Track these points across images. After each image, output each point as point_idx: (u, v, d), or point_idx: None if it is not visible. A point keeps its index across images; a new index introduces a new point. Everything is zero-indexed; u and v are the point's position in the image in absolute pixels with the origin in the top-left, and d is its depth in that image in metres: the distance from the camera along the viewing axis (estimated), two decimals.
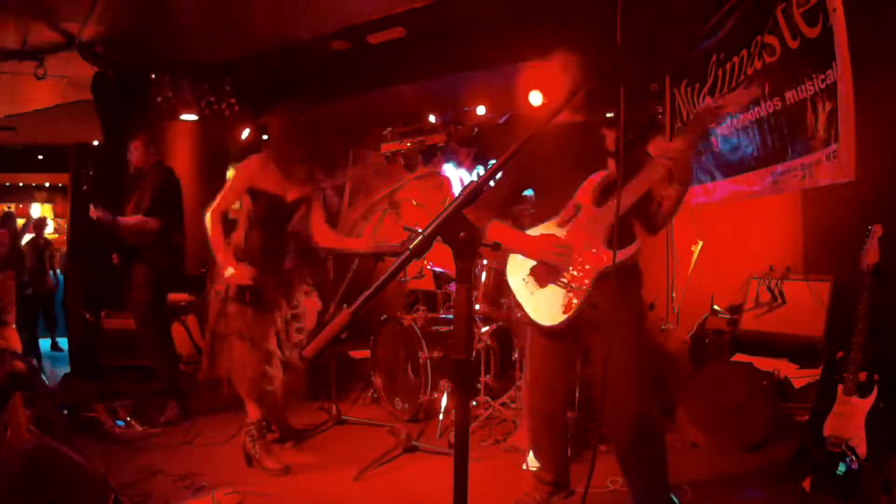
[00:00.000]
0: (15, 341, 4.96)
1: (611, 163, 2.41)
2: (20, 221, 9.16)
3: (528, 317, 2.50)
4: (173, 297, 4.82)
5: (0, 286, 5.27)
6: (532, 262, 2.47)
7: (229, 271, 3.12)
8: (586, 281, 2.33)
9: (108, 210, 4.02)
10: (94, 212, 3.96)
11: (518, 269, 2.53)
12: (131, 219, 4.09)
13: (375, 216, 5.03)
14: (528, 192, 2.73)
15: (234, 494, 2.87)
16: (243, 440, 3.33)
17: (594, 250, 2.35)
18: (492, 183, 2.55)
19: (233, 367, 3.28)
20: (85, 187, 3.98)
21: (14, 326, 5.18)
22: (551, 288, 2.40)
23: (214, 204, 3.20)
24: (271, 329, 3.32)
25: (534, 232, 2.50)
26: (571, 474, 2.72)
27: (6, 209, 11.24)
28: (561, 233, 2.43)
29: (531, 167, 2.55)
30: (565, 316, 2.36)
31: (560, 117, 2.60)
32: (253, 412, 3.32)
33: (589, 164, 2.42)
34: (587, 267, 2.34)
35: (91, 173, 4.08)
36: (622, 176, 2.03)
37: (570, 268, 2.37)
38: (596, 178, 2.38)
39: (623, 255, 2.31)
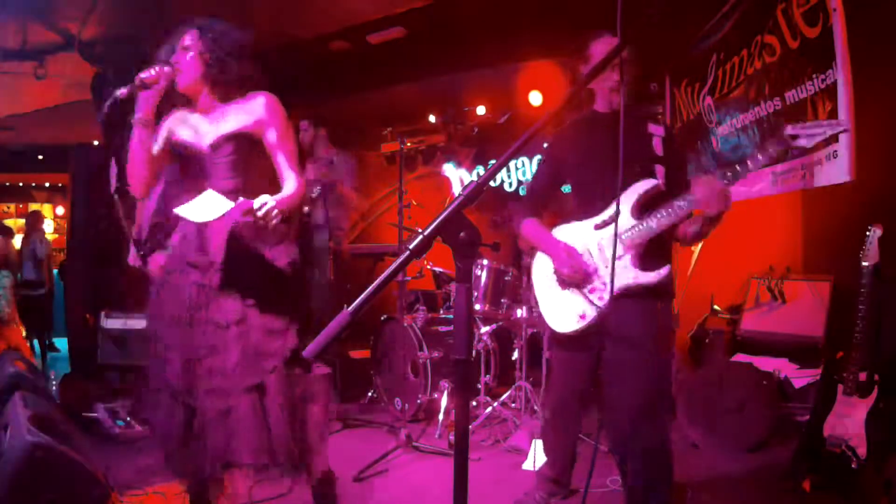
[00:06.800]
0: (18, 340, 4.94)
1: (659, 170, 2.24)
2: (20, 222, 9.18)
3: (543, 317, 2.47)
4: None
5: None
6: None
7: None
8: (605, 296, 2.25)
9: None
10: None
11: (544, 265, 2.49)
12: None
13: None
14: (566, 189, 2.56)
15: None
16: None
17: (623, 266, 2.21)
18: (530, 178, 2.39)
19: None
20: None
21: (14, 326, 5.16)
22: (571, 293, 2.37)
23: None
24: None
25: (567, 230, 2.40)
26: (572, 474, 2.73)
27: (6, 209, 11.27)
28: (594, 237, 2.32)
29: (568, 160, 2.43)
30: (577, 326, 2.34)
31: (604, 106, 2.38)
32: None
33: (632, 165, 2.22)
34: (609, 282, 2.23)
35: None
36: (622, 179, 1.80)
37: (594, 279, 2.30)
38: (644, 185, 2.23)
39: (657, 276, 2.19)
